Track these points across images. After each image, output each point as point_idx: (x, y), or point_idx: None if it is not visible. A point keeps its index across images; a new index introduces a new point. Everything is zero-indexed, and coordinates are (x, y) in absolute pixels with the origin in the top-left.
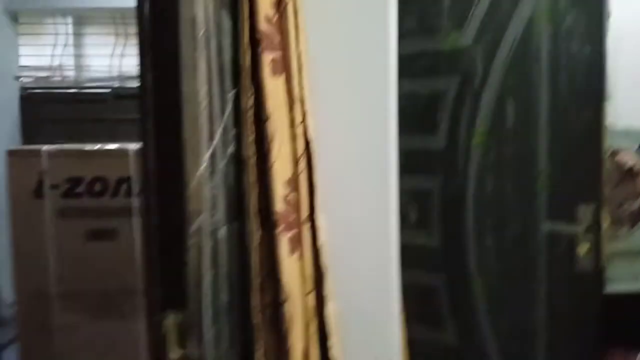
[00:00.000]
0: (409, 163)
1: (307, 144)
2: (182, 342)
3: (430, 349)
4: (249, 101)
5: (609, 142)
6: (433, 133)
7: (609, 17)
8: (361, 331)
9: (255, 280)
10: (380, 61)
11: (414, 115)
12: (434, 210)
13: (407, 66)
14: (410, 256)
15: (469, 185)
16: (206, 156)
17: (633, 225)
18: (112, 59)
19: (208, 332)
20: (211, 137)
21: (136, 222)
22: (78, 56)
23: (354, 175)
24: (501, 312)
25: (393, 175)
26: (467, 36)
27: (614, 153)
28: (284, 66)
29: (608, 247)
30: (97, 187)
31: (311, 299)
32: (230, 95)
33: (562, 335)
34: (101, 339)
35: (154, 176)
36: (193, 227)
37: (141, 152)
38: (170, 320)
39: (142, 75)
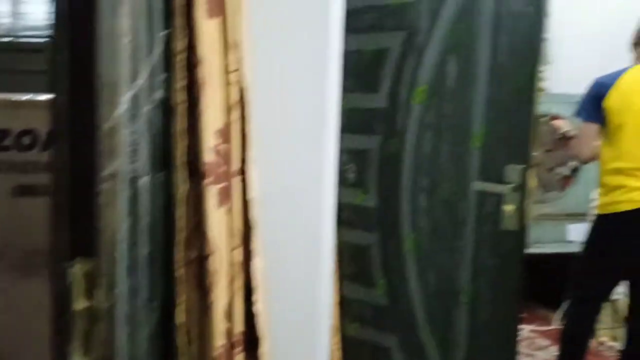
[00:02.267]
0: (350, 122)
1: (242, 92)
2: (89, 293)
3: (361, 307)
4: (180, 43)
5: (548, 107)
6: (375, 91)
7: None
8: (291, 288)
9: (180, 233)
10: (324, 13)
11: (358, 73)
12: (372, 170)
13: (354, 21)
14: (347, 215)
15: (407, 145)
16: (126, 97)
17: (562, 189)
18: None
19: (122, 284)
20: (134, 78)
21: None
22: (14, 2)
23: (291, 130)
24: (429, 270)
25: (331, 132)
26: None
27: (552, 118)
28: (220, 7)
29: (537, 210)
30: (26, 140)
31: (238, 254)
32: (161, 35)
33: (485, 291)
34: (27, 300)
35: (67, 116)
36: (106, 172)
37: (53, 90)
38: (77, 269)
39: (57, 5)
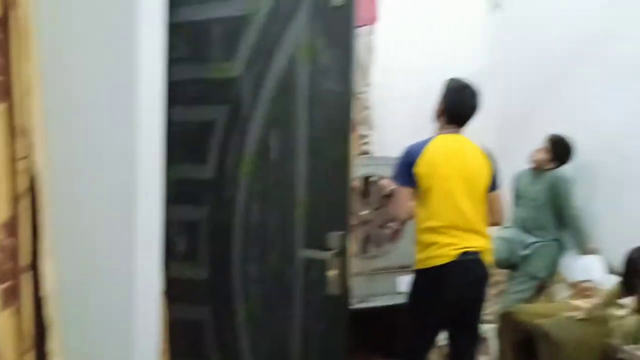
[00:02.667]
0: (179, 193)
1: (32, 180)
2: None
3: None
4: None
5: (374, 169)
6: (203, 162)
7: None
8: None
9: None
10: (146, 87)
11: (185, 144)
12: (203, 241)
13: (178, 93)
14: (177, 290)
15: (236, 216)
16: None
17: (392, 243)
18: None
19: None
20: None
21: None
22: None
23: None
24: (263, 340)
25: (153, 205)
26: (236, 67)
27: (378, 179)
28: (5, 92)
29: (371, 265)
30: None
31: (29, 358)
32: None
33: (314, 356)
34: None
35: None
36: None
37: None
38: None
39: None
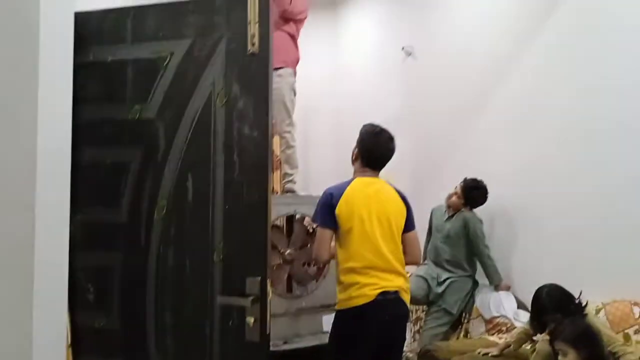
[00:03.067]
0: (89, 238)
1: None
2: None
3: None
4: None
5: (297, 208)
6: (116, 206)
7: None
8: None
9: None
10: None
11: (96, 186)
12: (114, 289)
13: (90, 134)
14: (86, 341)
15: (150, 261)
16: None
17: (316, 282)
18: None
19: None
20: None
21: None
22: None
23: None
24: None
25: (59, 252)
26: (150, 109)
27: (302, 218)
28: None
29: (294, 305)
30: None
31: None
32: None
33: None
34: None
35: None
36: None
37: None
38: None
39: None
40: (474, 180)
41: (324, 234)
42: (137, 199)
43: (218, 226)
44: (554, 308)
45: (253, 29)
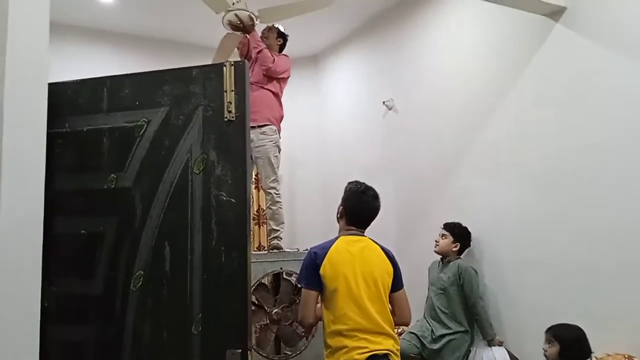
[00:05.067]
0: (61, 311)
1: None
2: None
3: None
4: None
5: (284, 265)
6: (90, 277)
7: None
8: None
9: None
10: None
11: (70, 257)
12: None
13: (63, 203)
14: None
15: (125, 333)
16: None
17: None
18: None
19: None
20: None
21: None
22: None
23: None
24: None
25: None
26: (127, 178)
27: (288, 275)
28: None
29: None
30: None
31: None
32: None
33: None
34: None
35: None
36: None
37: None
38: None
39: None
40: (455, 222)
41: (309, 296)
42: (113, 269)
43: (196, 296)
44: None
45: (229, 97)
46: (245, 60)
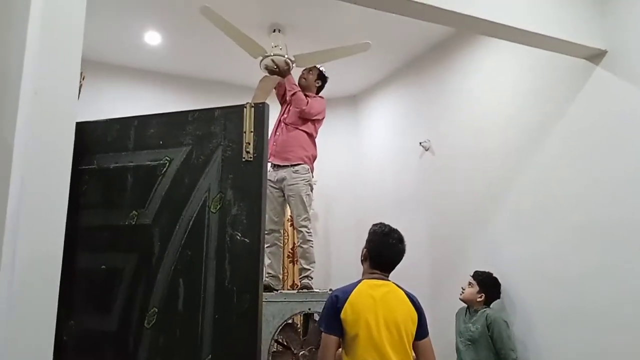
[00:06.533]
0: (80, 345)
1: None
2: None
3: None
4: None
5: (313, 306)
6: (107, 312)
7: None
8: None
9: None
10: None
11: (90, 292)
12: None
13: (89, 239)
14: None
15: None
16: None
17: None
18: None
19: None
20: None
21: None
22: None
23: None
24: None
25: None
26: (147, 215)
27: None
28: None
29: None
30: None
31: None
32: None
33: None
34: None
35: None
36: None
37: None
38: None
39: None
40: (485, 272)
41: (329, 341)
42: (129, 305)
43: (207, 336)
44: None
45: (248, 137)
46: (266, 103)
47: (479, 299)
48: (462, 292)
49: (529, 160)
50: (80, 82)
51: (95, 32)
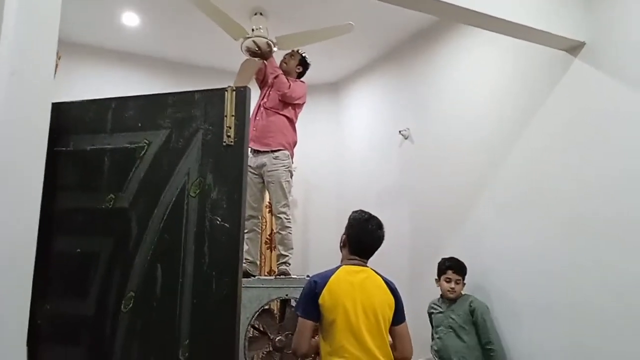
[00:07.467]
0: (54, 330)
1: None
2: None
3: None
4: None
5: (290, 292)
6: (83, 297)
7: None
8: None
9: None
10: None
11: (67, 276)
12: None
13: (65, 222)
14: None
15: (114, 357)
16: None
17: None
18: None
19: None
20: None
21: None
22: None
23: None
24: None
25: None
26: (125, 198)
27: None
28: None
29: None
30: None
31: None
32: None
33: None
34: None
35: None
36: None
37: None
38: None
39: None
40: (461, 262)
41: (305, 325)
42: (106, 289)
43: (185, 321)
44: None
45: (229, 121)
46: (247, 87)
47: (462, 289)
48: (453, 291)
49: (510, 151)
50: (56, 61)
51: (72, 12)
